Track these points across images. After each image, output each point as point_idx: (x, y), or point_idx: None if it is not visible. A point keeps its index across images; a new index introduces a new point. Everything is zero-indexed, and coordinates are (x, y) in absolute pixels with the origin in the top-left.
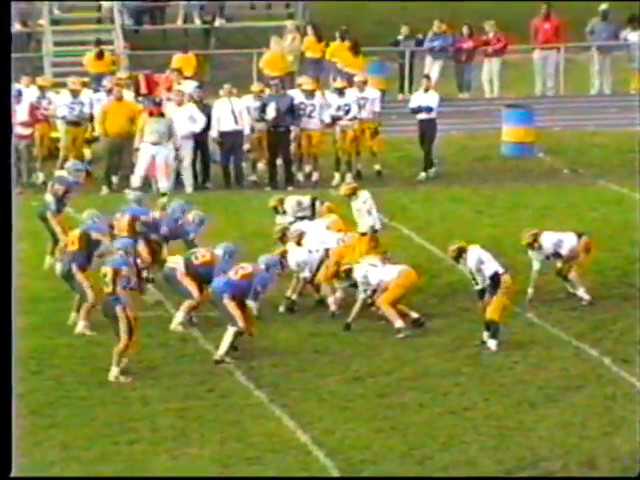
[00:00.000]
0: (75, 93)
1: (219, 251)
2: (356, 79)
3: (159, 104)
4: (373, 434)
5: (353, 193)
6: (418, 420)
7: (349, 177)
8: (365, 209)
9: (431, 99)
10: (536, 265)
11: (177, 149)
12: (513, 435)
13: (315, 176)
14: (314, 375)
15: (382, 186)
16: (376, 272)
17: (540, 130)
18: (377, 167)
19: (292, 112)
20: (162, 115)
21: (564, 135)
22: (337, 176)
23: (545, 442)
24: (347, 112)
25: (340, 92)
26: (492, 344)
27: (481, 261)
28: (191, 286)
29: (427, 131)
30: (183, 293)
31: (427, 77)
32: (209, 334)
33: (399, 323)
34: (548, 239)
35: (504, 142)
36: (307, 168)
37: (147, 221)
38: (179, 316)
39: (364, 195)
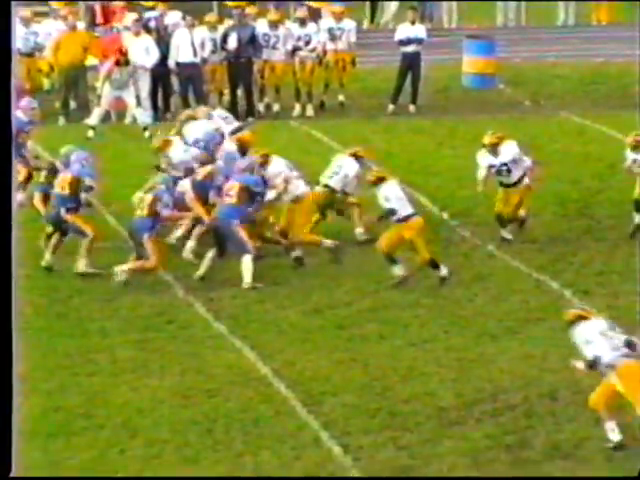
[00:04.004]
0: (28, 23)
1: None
2: (332, 9)
3: (125, 53)
4: (333, 366)
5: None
6: (378, 352)
7: (310, 108)
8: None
9: (419, 31)
10: (482, 171)
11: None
12: (473, 367)
13: (276, 107)
14: (274, 307)
15: (343, 117)
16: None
17: (501, 61)
18: (341, 98)
19: (253, 42)
20: (127, 63)
21: (525, 66)
22: (297, 107)
23: (505, 374)
24: (307, 43)
25: (302, 22)
26: (443, 272)
27: (387, 198)
28: (201, 210)
29: (414, 64)
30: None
31: (413, 8)
32: (167, 264)
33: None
34: (510, 149)
35: (465, 73)
36: (267, 99)
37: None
38: (191, 244)
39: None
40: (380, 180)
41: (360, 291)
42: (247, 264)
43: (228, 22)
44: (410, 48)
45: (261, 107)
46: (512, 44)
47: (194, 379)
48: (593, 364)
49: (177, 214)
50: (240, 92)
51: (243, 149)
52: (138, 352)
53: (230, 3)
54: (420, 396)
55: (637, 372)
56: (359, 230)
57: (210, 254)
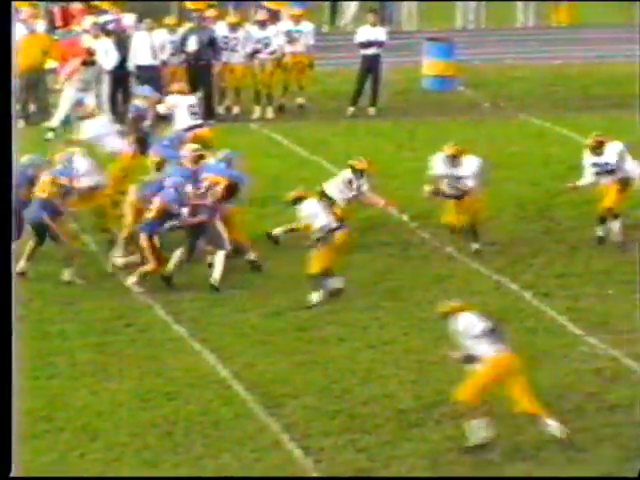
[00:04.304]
0: None
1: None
2: (290, 12)
3: (92, 53)
4: (293, 368)
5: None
6: (338, 354)
7: (270, 110)
8: None
9: (380, 33)
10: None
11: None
12: (432, 369)
13: (236, 109)
14: (234, 310)
15: (303, 120)
16: None
17: (461, 63)
18: (300, 100)
19: (213, 45)
20: (93, 63)
21: (485, 68)
22: (257, 109)
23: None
24: (267, 45)
25: (261, 25)
26: (314, 297)
27: (315, 215)
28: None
29: (374, 66)
30: None
31: (373, 11)
32: (126, 269)
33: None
34: (473, 163)
35: (425, 76)
36: (227, 101)
37: None
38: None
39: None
40: (299, 199)
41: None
42: (220, 260)
43: (187, 25)
44: (370, 51)
45: (221, 110)
46: (472, 46)
47: (153, 382)
48: (472, 358)
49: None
50: (200, 95)
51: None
52: (98, 355)
53: (189, 4)
54: (379, 398)
55: (509, 364)
56: None
57: (178, 252)
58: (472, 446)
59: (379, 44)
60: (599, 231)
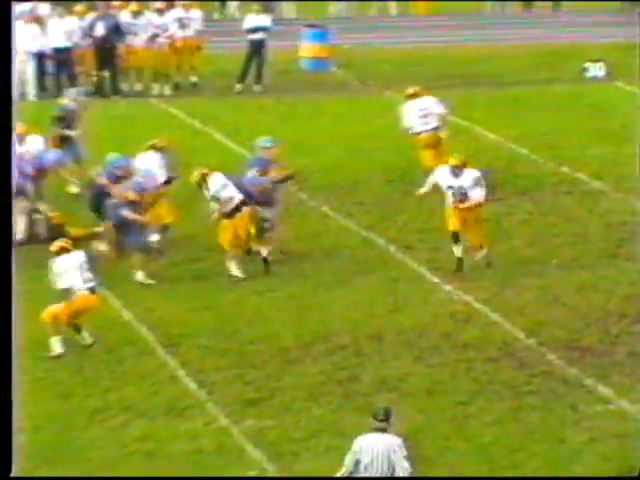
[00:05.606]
0: None
1: None
2: (183, 1)
3: None
4: (189, 312)
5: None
6: (228, 300)
7: (167, 88)
8: None
9: (265, 20)
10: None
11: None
12: (310, 312)
13: (138, 87)
14: None
15: (197, 96)
16: None
17: (334, 47)
18: (193, 79)
19: (117, 30)
20: None
21: (355, 51)
22: (156, 87)
23: (337, 319)
24: (165, 30)
25: (159, 12)
26: (233, 270)
27: (224, 185)
28: None
29: (259, 49)
30: None
31: (257, 0)
32: None
33: None
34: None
35: (302, 58)
36: (130, 80)
37: None
38: None
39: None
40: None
41: (213, 248)
42: None
43: (95, 12)
44: (257, 35)
45: (125, 87)
46: (344, 32)
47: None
48: (67, 292)
49: None
50: (106, 74)
51: None
52: None
53: None
54: (264, 338)
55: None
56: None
57: None
58: (55, 355)
59: (264, 30)
60: (457, 252)
